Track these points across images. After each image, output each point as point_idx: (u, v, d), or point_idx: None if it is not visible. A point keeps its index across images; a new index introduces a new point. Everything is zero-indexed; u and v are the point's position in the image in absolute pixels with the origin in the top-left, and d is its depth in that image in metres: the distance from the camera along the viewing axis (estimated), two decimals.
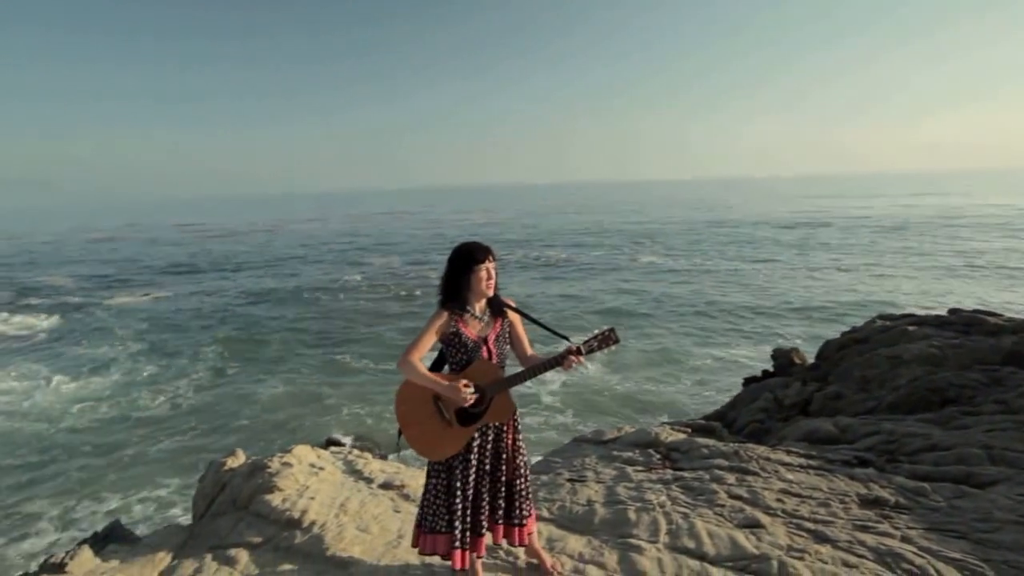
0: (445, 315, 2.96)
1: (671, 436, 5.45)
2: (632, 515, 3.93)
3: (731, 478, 4.47)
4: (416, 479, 4.68)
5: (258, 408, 14.19)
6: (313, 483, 4.43)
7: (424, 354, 2.96)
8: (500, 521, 3.10)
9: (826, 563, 3.28)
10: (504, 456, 3.10)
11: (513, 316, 3.10)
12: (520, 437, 3.18)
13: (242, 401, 14.68)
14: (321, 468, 4.66)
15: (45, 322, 24.55)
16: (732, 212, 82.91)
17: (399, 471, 4.90)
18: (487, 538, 3.12)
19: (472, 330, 2.99)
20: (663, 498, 4.18)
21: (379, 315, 24.83)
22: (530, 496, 3.21)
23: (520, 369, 3.01)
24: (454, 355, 3.00)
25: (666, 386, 14.88)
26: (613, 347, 2.85)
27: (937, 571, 3.14)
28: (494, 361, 2.98)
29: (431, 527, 3.09)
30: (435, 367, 3.08)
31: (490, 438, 3.06)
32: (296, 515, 4.04)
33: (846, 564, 3.27)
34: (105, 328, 23.04)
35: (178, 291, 32.87)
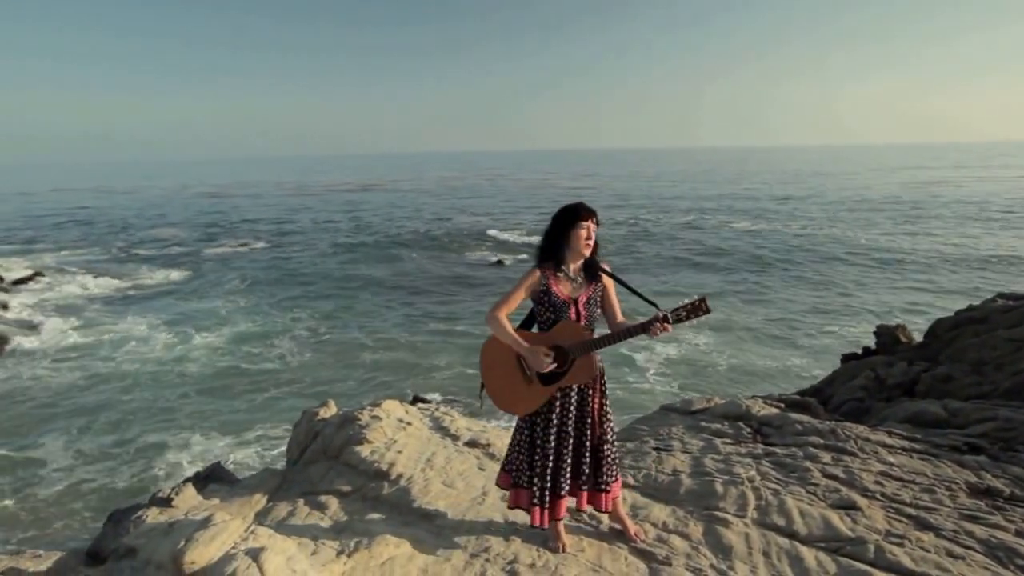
0: (537, 273, 2.97)
1: (763, 410, 5.28)
2: (719, 488, 3.84)
3: (826, 457, 4.29)
4: (502, 439, 4.74)
5: (349, 363, 14.74)
6: (401, 437, 4.56)
7: (512, 310, 2.99)
8: (584, 487, 3.12)
9: (928, 551, 3.11)
10: (589, 420, 3.09)
11: (607, 281, 3.06)
12: (607, 402, 3.17)
13: (335, 356, 15.26)
14: (408, 423, 4.79)
15: (160, 274, 26.15)
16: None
17: (484, 430, 4.98)
18: (570, 502, 3.15)
19: (563, 289, 2.98)
20: (752, 473, 4.06)
21: (472, 276, 25.15)
22: (617, 462, 3.21)
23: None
24: (542, 313, 3.01)
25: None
26: (702, 317, 2.78)
27: None
28: (582, 323, 2.96)
29: (515, 480, 3.18)
30: (525, 324, 3.10)
31: (573, 400, 3.06)
32: (384, 467, 4.17)
33: (950, 554, 3.09)
34: (219, 282, 24.33)
35: (284, 243, 34.65)
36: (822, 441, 4.56)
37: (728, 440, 4.76)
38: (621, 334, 2.92)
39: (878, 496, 3.73)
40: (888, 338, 9.91)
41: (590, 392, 3.08)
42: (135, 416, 11.54)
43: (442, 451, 4.44)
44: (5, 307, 18.79)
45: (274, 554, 2.96)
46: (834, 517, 3.44)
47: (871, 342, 10.39)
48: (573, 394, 3.05)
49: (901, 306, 19.18)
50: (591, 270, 3.03)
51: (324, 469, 4.39)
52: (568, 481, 3.08)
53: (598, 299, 3.04)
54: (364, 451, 4.32)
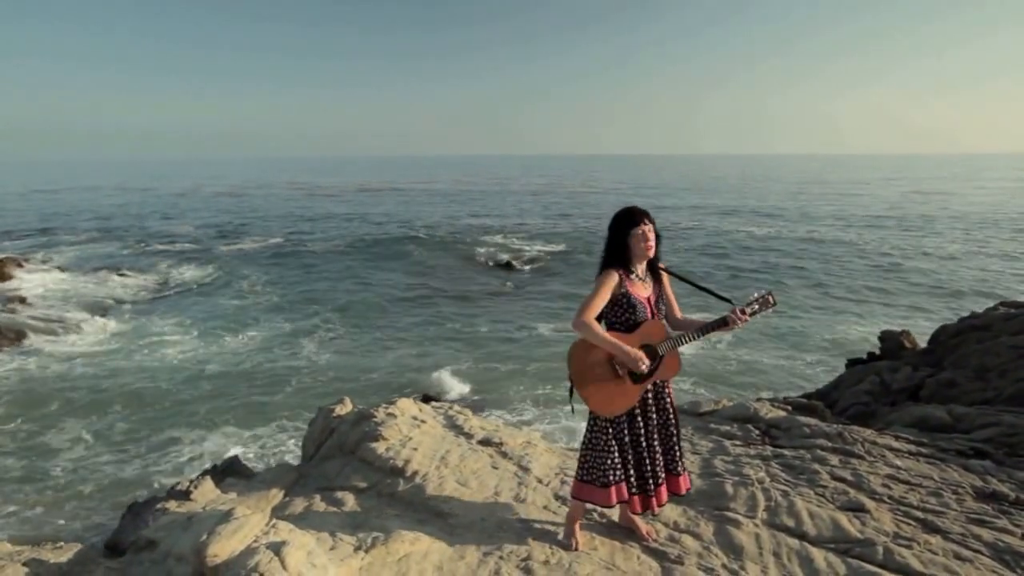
0: (615, 276, 3.03)
1: (771, 412, 5.34)
2: (729, 488, 3.90)
3: (834, 459, 4.35)
4: (515, 438, 4.80)
5: (365, 361, 14.83)
6: (416, 435, 4.62)
7: (598, 312, 3.05)
8: (662, 477, 3.23)
9: (936, 554, 3.17)
10: (668, 411, 3.23)
11: (664, 279, 3.19)
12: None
13: (351, 354, 15.35)
14: (423, 421, 4.85)
15: (176, 271, 26.19)
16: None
17: (497, 429, 5.04)
18: (664, 492, 3.25)
19: (638, 290, 3.06)
20: (762, 474, 4.13)
21: (486, 277, 25.19)
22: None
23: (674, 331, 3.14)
24: (620, 315, 3.06)
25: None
26: (770, 310, 2.95)
27: None
28: (660, 321, 3.09)
29: (605, 480, 3.16)
30: None
31: (650, 393, 3.18)
32: (400, 464, 4.23)
33: (958, 557, 3.15)
34: (237, 280, 24.40)
35: (298, 239, 34.89)
36: (830, 444, 4.62)
37: (737, 442, 4.82)
38: (705, 328, 3.04)
39: (886, 499, 3.79)
40: (892, 343, 9.96)
41: (664, 386, 3.23)
42: (153, 409, 11.69)
43: (456, 449, 4.50)
44: (23, 300, 18.90)
45: (295, 548, 3.02)
46: (843, 519, 3.50)
47: (876, 347, 10.45)
48: (650, 388, 3.17)
49: (905, 312, 19.24)
50: (653, 269, 3.15)
51: (340, 465, 4.46)
52: (661, 472, 3.21)
53: (663, 296, 3.17)
54: (380, 448, 4.39)
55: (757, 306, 2.94)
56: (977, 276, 24.40)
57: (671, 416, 3.24)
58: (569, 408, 3.38)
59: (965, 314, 9.67)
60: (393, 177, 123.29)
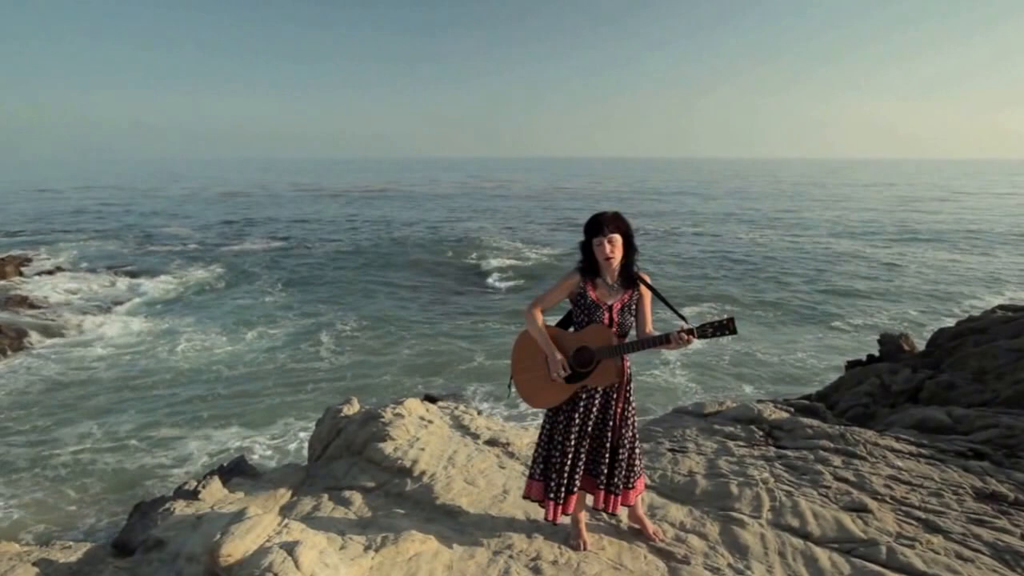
0: (576, 276, 3.09)
1: (774, 414, 5.40)
2: (734, 489, 3.95)
3: (837, 460, 4.40)
4: (521, 438, 4.85)
5: (373, 361, 14.90)
6: (423, 435, 4.66)
7: (549, 307, 3.13)
8: (600, 487, 3.22)
9: (938, 553, 3.22)
10: (611, 423, 3.18)
11: (644, 291, 3.14)
12: (632, 408, 3.26)
13: (359, 354, 15.39)
14: (430, 421, 4.89)
15: (183, 272, 26.13)
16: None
17: (504, 429, 5.08)
18: (585, 499, 3.28)
19: (598, 294, 3.08)
20: (766, 475, 4.17)
21: (490, 278, 25.22)
22: (636, 467, 3.29)
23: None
24: (578, 315, 3.12)
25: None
26: (727, 336, 2.83)
27: None
28: (613, 329, 3.05)
29: (531, 472, 3.32)
30: (563, 323, 3.22)
31: (596, 402, 3.16)
32: (407, 464, 4.27)
33: (960, 557, 3.20)
34: (245, 280, 24.42)
35: (303, 240, 35.00)
36: (832, 445, 4.67)
37: (741, 443, 4.87)
38: (643, 343, 3.02)
39: (888, 499, 3.84)
40: (891, 346, 10.01)
41: (614, 396, 3.17)
42: (165, 407, 11.80)
43: (463, 449, 4.55)
44: (25, 300, 18.89)
45: (308, 548, 3.06)
46: (846, 519, 3.55)
47: (875, 349, 10.51)
48: (597, 396, 3.15)
49: (903, 315, 19.34)
50: (627, 278, 3.09)
51: (347, 465, 4.49)
52: (580, 478, 3.19)
53: (633, 307, 3.11)
54: (387, 448, 4.42)
55: (711, 329, 2.81)
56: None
57: (616, 431, 3.17)
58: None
59: (962, 317, 9.75)
60: (394, 179, 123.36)
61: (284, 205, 61.60)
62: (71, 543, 4.24)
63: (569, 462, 3.16)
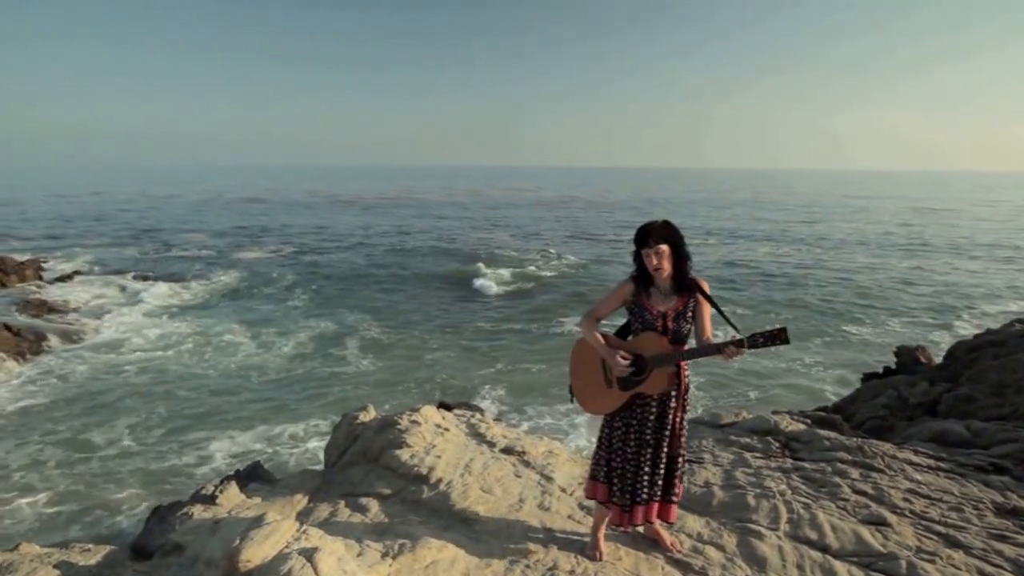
0: (630, 285, 3.10)
1: (791, 425, 5.37)
2: (751, 500, 3.93)
3: (855, 473, 4.37)
4: (536, 447, 4.85)
5: (395, 366, 15.03)
6: (439, 442, 4.67)
7: (603, 316, 3.17)
8: (656, 498, 3.22)
9: (959, 569, 3.19)
10: (667, 432, 3.17)
11: (701, 297, 3.11)
12: (686, 416, 3.27)
13: (381, 360, 15.49)
14: (446, 429, 4.91)
15: (201, 276, 26.36)
16: None
17: (520, 437, 5.08)
18: (642, 514, 3.22)
19: (653, 303, 3.08)
20: (783, 486, 4.15)
21: (508, 287, 25.28)
22: (682, 476, 3.33)
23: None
24: (633, 323, 3.15)
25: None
26: (780, 346, 2.80)
27: None
28: (668, 337, 3.04)
29: (593, 473, 3.34)
30: (621, 332, 3.25)
31: (653, 410, 3.15)
32: (424, 471, 4.29)
33: (981, 573, 3.17)
34: (262, 285, 24.60)
35: (320, 246, 35.30)
36: (850, 457, 4.64)
37: (758, 454, 4.85)
38: (696, 351, 3.02)
39: (907, 513, 3.81)
40: (908, 358, 9.95)
41: (672, 404, 3.15)
42: (191, 410, 11.99)
43: (479, 457, 4.55)
44: (45, 304, 19.12)
45: (327, 555, 3.07)
46: (865, 532, 3.52)
47: (890, 362, 10.44)
48: (653, 404, 3.14)
49: (918, 326, 19.20)
50: (682, 285, 3.06)
51: (364, 472, 4.51)
52: (646, 490, 3.18)
53: (688, 314, 3.07)
54: (404, 455, 4.44)
55: (762, 339, 2.77)
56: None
57: (674, 439, 3.18)
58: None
59: (980, 330, 9.67)
60: (407, 186, 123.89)
61: (299, 212, 62.03)
62: (90, 545, 4.28)
63: (631, 469, 3.19)
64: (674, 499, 3.27)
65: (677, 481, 3.25)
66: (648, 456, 3.16)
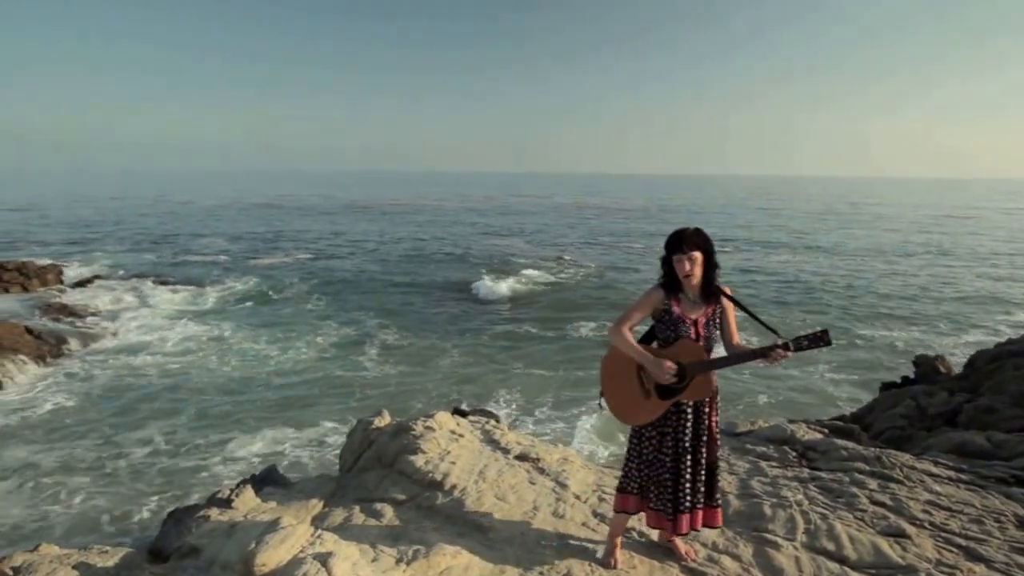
0: (660, 292, 3.09)
1: (807, 434, 5.32)
2: (767, 510, 3.90)
3: (872, 483, 4.32)
4: (551, 454, 4.84)
5: (412, 371, 15.08)
6: (454, 448, 4.68)
7: (635, 324, 3.12)
8: (700, 504, 3.19)
9: None
10: (705, 437, 3.16)
11: (727, 303, 3.13)
12: (718, 420, 3.27)
13: (398, 366, 15.55)
14: (461, 435, 4.91)
15: (219, 282, 26.53)
16: None
17: (534, 444, 5.08)
18: (687, 522, 3.18)
19: (684, 310, 3.07)
20: (800, 496, 4.12)
21: (527, 292, 25.28)
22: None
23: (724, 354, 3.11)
24: (663, 331, 3.10)
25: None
26: (823, 348, 2.83)
27: None
28: (700, 343, 3.04)
29: (622, 486, 3.30)
30: (644, 340, 3.21)
31: (690, 417, 3.13)
32: (438, 477, 4.29)
33: None
34: (280, 291, 24.77)
35: (334, 252, 35.59)
36: (868, 467, 4.59)
37: (774, 463, 4.81)
38: (739, 356, 3.04)
39: (926, 525, 3.76)
40: (927, 368, 9.83)
41: (706, 410, 3.16)
42: (216, 413, 12.14)
43: (494, 464, 4.55)
44: (65, 308, 19.37)
45: (341, 560, 3.09)
46: (884, 544, 3.48)
47: (908, 371, 10.33)
48: (689, 411, 3.12)
49: (937, 336, 18.98)
50: (709, 292, 3.09)
51: (379, 477, 4.52)
52: (689, 498, 3.15)
53: (716, 321, 3.11)
54: (418, 461, 4.45)
55: (806, 342, 2.82)
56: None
57: (712, 444, 3.18)
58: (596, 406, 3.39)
59: (1000, 340, 9.54)
60: (422, 192, 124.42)
61: (314, 217, 62.41)
62: (108, 547, 4.31)
63: (670, 478, 3.15)
64: (719, 503, 3.26)
65: (719, 485, 3.26)
66: (688, 463, 3.13)
